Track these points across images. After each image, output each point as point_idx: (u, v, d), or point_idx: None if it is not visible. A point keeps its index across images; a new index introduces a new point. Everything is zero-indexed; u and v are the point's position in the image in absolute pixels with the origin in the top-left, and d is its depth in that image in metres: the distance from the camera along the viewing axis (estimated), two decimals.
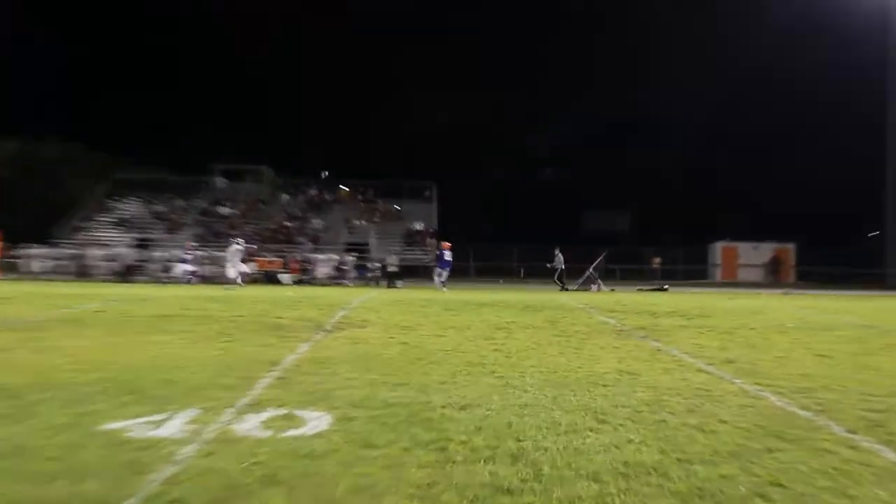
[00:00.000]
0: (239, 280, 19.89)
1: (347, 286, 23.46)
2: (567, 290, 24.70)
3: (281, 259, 28.51)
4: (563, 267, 25.44)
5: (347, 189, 42.11)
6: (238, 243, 20.99)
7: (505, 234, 48.33)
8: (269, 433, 4.41)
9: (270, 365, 6.45)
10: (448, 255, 22.76)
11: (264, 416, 4.66)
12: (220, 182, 36.98)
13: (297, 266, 27.31)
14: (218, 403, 4.99)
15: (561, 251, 25.99)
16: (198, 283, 22.44)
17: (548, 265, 26.32)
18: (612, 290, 25.96)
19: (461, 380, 5.98)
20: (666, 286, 27.52)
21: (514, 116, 47.67)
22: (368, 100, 42.44)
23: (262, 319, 10.06)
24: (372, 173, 43.67)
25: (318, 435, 4.39)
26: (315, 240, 35.21)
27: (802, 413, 5.01)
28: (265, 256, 27.12)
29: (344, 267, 26.39)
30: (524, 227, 52.73)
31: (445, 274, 22.38)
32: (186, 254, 24.18)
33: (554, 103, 47.55)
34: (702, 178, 47.73)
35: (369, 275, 26.84)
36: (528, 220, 54.63)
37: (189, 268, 23.37)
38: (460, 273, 26.16)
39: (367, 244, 35.42)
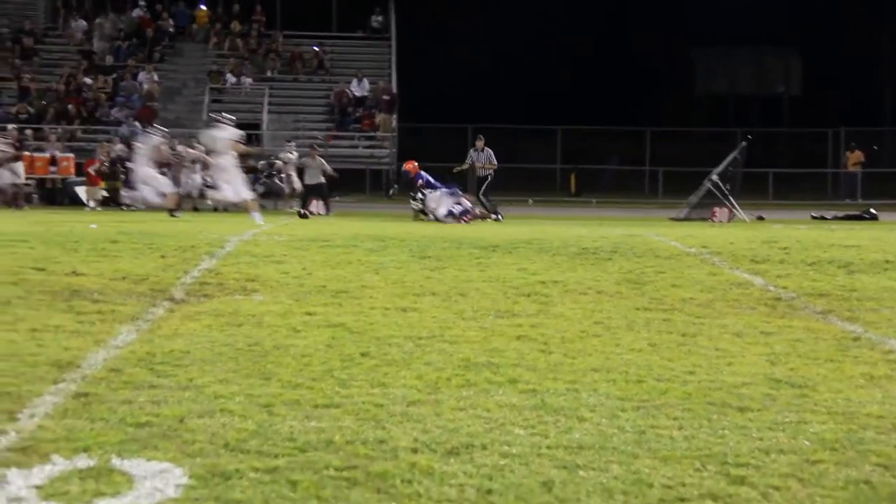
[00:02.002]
0: None
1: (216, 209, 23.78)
2: (498, 217, 25.31)
3: (71, 155, 28.94)
4: (490, 174, 26.20)
5: (206, 9, 42.95)
6: None
7: (536, 107, 49.73)
8: None
9: (55, 370, 6.59)
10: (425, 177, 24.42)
11: (42, 475, 4.70)
12: None
13: (105, 169, 27.68)
14: None
15: (487, 144, 26.47)
16: None
17: (456, 169, 26.94)
18: (759, 217, 26.29)
19: (449, 396, 6.12)
20: (872, 210, 27.67)
21: None
22: None
23: (37, 278, 10.38)
24: None
25: None
26: (146, 116, 35.95)
27: None
28: (37, 151, 27.57)
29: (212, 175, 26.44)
30: (573, 91, 53.74)
31: (445, 202, 23.44)
32: None
33: None
34: None
35: (258, 187, 28.08)
36: (580, 78, 55.37)
37: None
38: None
39: (256, 124, 36.69)
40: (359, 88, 39.92)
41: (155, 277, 10.53)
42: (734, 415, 5.81)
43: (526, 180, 39.24)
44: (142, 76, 38.91)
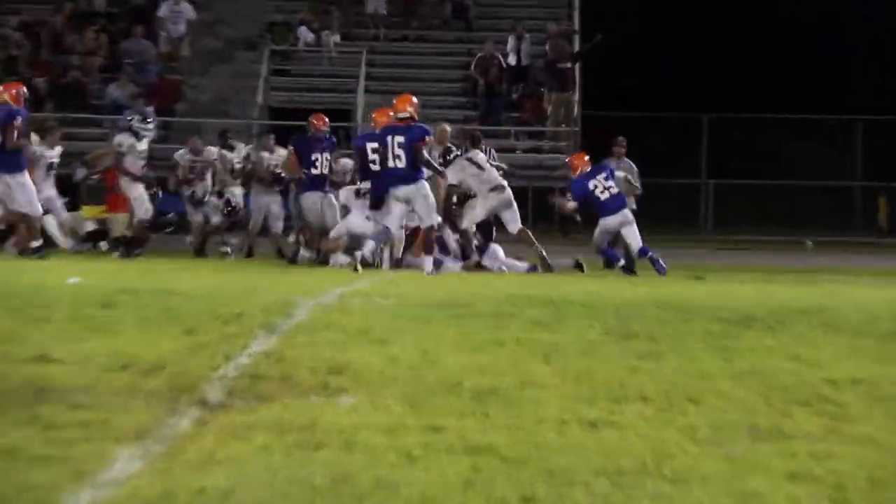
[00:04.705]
0: None
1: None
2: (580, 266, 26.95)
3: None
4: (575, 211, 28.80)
5: None
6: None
7: (812, 91, 49.10)
8: None
9: None
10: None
11: None
12: None
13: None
14: None
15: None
16: None
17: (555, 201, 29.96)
18: None
19: None
20: None
21: None
22: None
23: None
24: None
25: None
26: (165, 97, 36.61)
27: None
28: None
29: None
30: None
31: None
32: None
33: None
34: None
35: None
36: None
37: None
38: (681, 218, 26.51)
39: (345, 110, 37.04)
40: (517, 52, 40.05)
41: (176, 366, 10.67)
42: None
43: (804, 206, 38.92)
44: (164, 8, 39.60)
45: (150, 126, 28.06)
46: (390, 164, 23.68)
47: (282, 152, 29.08)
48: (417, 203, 23.41)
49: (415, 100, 25.11)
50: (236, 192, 29.39)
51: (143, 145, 27.75)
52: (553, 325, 13.46)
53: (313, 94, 38.63)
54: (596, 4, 42.58)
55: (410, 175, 23.40)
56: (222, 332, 12.32)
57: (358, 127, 37.03)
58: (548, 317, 14.01)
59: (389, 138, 23.73)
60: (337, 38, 39.83)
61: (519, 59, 39.07)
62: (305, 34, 39.80)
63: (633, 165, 28.17)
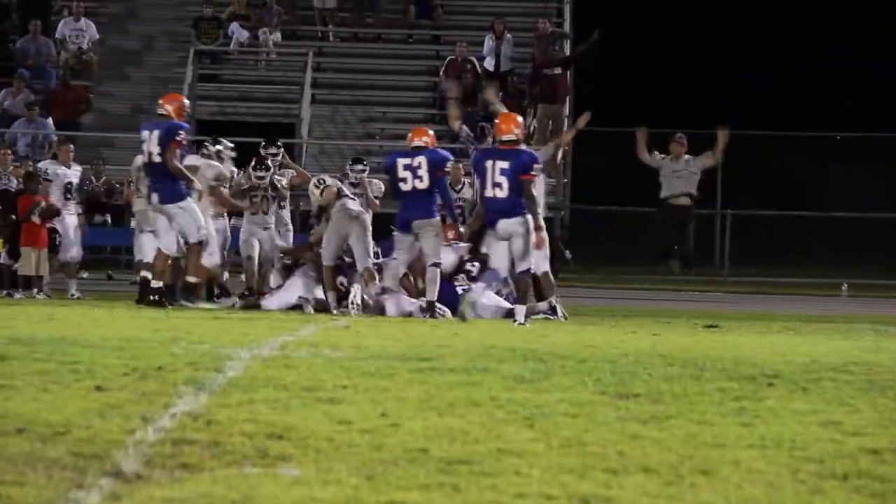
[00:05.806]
0: None
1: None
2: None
3: None
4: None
5: None
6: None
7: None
8: None
9: None
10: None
11: None
12: None
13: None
14: None
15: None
16: None
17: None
18: None
19: None
20: None
21: None
22: None
23: None
24: None
25: None
26: (68, 107, 36.55)
27: None
28: None
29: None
30: None
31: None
32: None
33: None
34: None
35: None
36: None
37: None
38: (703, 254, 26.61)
39: (288, 124, 37.03)
40: (495, 55, 40.06)
41: (84, 430, 10.62)
42: None
43: (840, 242, 38.91)
44: (63, 28, 39.62)
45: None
46: (488, 192, 24.04)
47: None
48: (515, 242, 23.69)
49: (520, 119, 25.75)
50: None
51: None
52: (537, 383, 13.42)
53: (249, 104, 38.58)
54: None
55: (513, 207, 23.70)
56: (139, 390, 12.24)
57: (304, 144, 36.98)
58: (531, 372, 13.97)
59: (490, 163, 24.09)
60: (277, 36, 39.79)
61: (497, 64, 39.00)
62: (239, 32, 39.71)
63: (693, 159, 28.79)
